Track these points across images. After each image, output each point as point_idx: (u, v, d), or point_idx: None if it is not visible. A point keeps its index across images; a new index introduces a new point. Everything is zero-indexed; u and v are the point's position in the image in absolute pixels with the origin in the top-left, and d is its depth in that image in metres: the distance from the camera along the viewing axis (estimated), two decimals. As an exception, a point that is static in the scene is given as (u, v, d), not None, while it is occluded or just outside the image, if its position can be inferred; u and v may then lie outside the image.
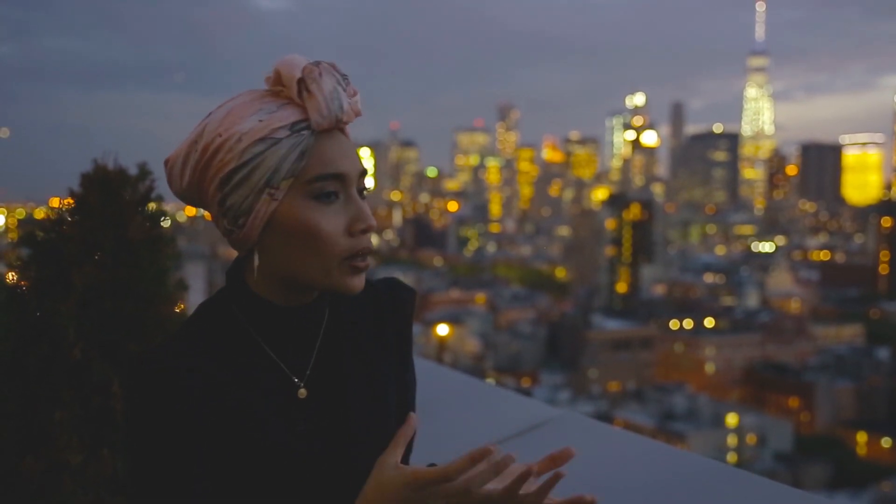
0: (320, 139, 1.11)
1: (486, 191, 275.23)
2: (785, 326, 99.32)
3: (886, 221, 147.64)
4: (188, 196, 1.16)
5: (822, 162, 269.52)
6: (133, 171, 2.22)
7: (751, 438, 70.66)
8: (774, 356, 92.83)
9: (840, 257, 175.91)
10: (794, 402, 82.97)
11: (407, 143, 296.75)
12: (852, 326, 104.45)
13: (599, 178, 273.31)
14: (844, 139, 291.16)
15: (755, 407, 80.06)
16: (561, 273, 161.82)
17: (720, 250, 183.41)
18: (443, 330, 31.70)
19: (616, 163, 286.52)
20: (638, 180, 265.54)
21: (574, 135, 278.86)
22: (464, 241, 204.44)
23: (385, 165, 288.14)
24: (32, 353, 1.98)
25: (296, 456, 1.13)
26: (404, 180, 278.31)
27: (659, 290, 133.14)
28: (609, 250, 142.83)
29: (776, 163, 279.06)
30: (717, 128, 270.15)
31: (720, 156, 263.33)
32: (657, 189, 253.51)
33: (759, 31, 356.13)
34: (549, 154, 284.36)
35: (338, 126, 1.12)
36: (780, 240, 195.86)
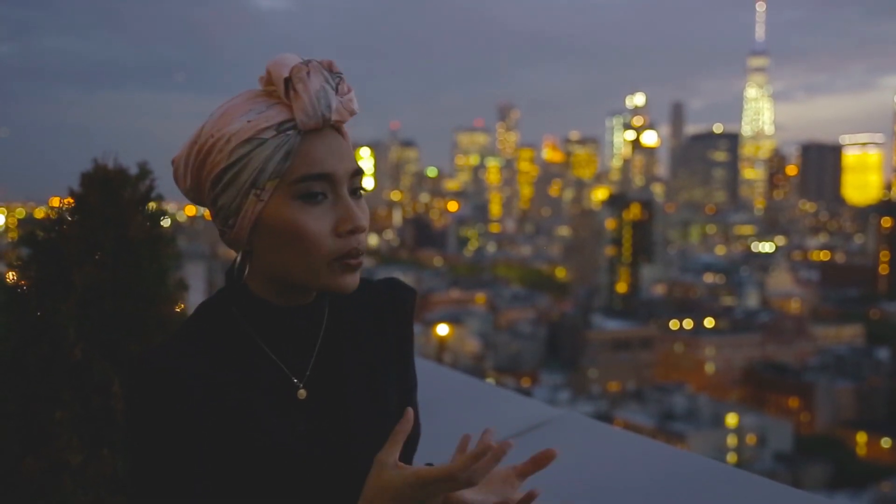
0: (308, 139, 1.10)
1: (486, 191, 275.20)
2: (785, 327, 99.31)
3: (886, 222, 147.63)
4: (192, 196, 1.18)
5: (822, 162, 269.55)
6: (133, 170, 2.22)
7: (751, 438, 70.66)
8: (774, 356, 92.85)
9: (840, 257, 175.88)
10: (793, 403, 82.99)
11: (407, 143, 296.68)
12: (852, 327, 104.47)
13: (599, 178, 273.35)
14: (844, 139, 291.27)
15: (755, 407, 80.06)
16: (561, 273, 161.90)
17: (720, 250, 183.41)
18: (443, 330, 31.68)
19: (616, 163, 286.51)
20: (638, 180, 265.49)
21: (574, 135, 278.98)
22: (464, 241, 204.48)
23: (385, 165, 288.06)
24: (33, 352, 1.98)
25: (296, 456, 1.13)
26: (404, 180, 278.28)
27: (659, 290, 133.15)
28: (609, 250, 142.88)
29: (776, 163, 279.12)
30: (717, 128, 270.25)
31: (720, 156, 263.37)
32: (657, 189, 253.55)
33: (760, 32, 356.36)
34: (549, 154, 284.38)
35: (329, 125, 1.11)
36: (780, 240, 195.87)
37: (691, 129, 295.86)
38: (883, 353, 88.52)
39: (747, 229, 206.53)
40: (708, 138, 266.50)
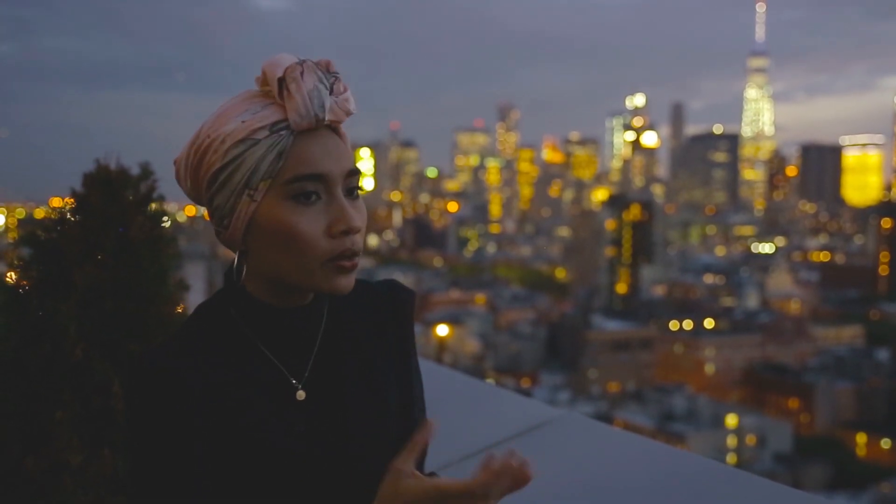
0: (301, 139, 1.09)
1: (486, 191, 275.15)
2: (785, 327, 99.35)
3: (886, 222, 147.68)
4: (192, 196, 1.18)
5: (822, 163, 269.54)
6: (135, 171, 2.22)
7: (750, 439, 70.68)
8: (774, 357, 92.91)
9: (840, 258, 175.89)
10: (793, 403, 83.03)
11: (407, 144, 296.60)
12: (852, 327, 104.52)
13: (599, 178, 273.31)
14: (845, 140, 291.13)
15: (755, 408, 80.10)
16: (561, 273, 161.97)
17: (720, 251, 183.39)
18: (443, 330, 31.79)
19: (616, 163, 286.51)
20: (638, 181, 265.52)
21: (574, 135, 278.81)
22: (464, 242, 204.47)
23: (385, 166, 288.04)
24: (33, 352, 1.99)
25: (294, 457, 1.12)
26: (404, 180, 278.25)
27: (659, 290, 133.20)
28: (609, 251, 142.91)
29: (776, 164, 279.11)
30: (718, 128, 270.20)
31: (720, 157, 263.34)
32: (657, 190, 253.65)
33: (760, 32, 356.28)
34: (549, 155, 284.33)
35: (324, 125, 1.11)
36: (780, 241, 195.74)
37: (691, 129, 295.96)
38: (883, 354, 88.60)
39: (747, 230, 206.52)
40: (708, 139, 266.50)
